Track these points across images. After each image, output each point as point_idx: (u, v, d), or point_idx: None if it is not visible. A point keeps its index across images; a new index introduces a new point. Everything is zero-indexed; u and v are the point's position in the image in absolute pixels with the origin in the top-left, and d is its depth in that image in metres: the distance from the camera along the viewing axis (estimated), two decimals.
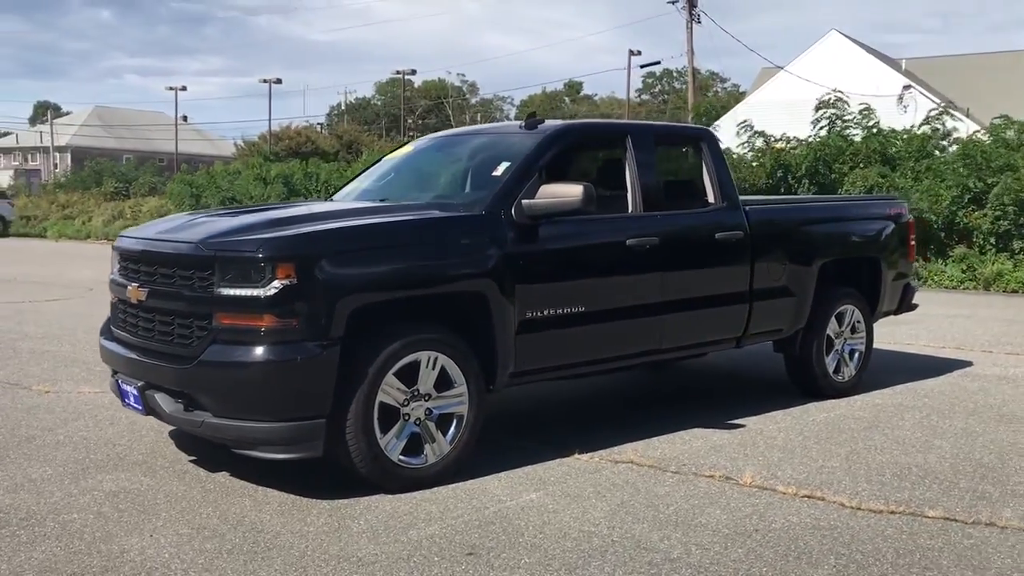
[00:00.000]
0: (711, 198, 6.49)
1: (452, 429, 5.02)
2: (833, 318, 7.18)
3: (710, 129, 6.96)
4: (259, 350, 4.46)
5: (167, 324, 4.84)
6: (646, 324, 5.93)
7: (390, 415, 4.80)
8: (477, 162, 5.94)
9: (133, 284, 5.04)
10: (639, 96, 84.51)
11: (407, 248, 4.91)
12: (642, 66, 43.18)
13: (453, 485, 4.92)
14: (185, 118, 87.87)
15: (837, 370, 7.28)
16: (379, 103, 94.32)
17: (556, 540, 4.19)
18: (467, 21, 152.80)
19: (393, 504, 4.64)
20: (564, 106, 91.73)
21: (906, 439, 5.96)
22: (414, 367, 4.84)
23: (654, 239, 5.85)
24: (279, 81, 56.29)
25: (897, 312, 8.03)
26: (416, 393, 4.86)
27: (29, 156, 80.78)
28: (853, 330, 7.43)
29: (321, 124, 76.03)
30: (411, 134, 53.28)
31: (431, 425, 4.93)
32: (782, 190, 19.39)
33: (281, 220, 5.10)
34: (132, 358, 5.02)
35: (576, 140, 6.17)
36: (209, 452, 5.35)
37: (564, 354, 5.58)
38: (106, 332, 5.51)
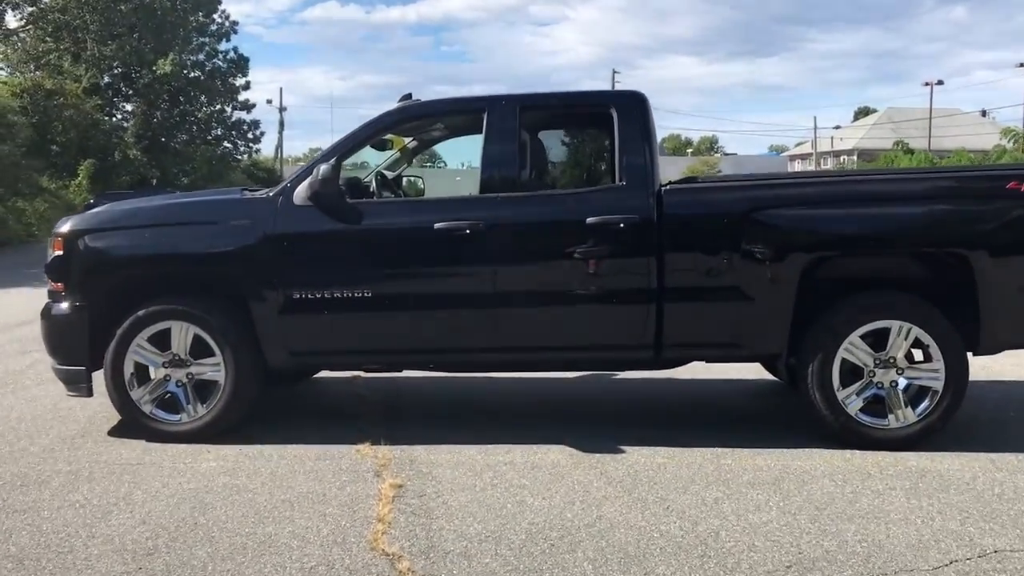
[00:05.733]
0: (617, 177, 5.38)
1: (211, 395, 5.48)
2: (856, 337, 5.14)
3: (632, 93, 5.51)
4: (45, 307, 5.66)
5: None
6: (470, 317, 5.34)
7: (148, 374, 5.54)
8: None
9: None
10: None
11: (158, 229, 5.54)
12: None
13: (190, 445, 5.38)
14: (984, 112, 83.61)
15: (878, 412, 5.19)
16: None
17: (135, 489, 4.56)
18: None
19: (112, 445, 5.39)
20: None
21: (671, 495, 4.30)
22: (174, 334, 5.48)
23: (477, 223, 5.25)
24: None
25: None
26: (176, 358, 5.49)
27: (821, 161, 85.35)
28: (923, 358, 5.19)
29: None
30: None
31: (188, 388, 5.49)
32: None
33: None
34: None
35: (416, 120, 5.80)
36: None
37: (352, 339, 5.45)
38: None
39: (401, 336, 5.42)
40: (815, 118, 76.74)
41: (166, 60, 44.63)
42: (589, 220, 5.19)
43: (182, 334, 5.44)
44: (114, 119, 47.52)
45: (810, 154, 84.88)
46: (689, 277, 5.19)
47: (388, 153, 6.59)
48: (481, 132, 5.51)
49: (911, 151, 41.48)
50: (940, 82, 65.20)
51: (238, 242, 5.39)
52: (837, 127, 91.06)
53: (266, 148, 62.87)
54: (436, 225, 5.26)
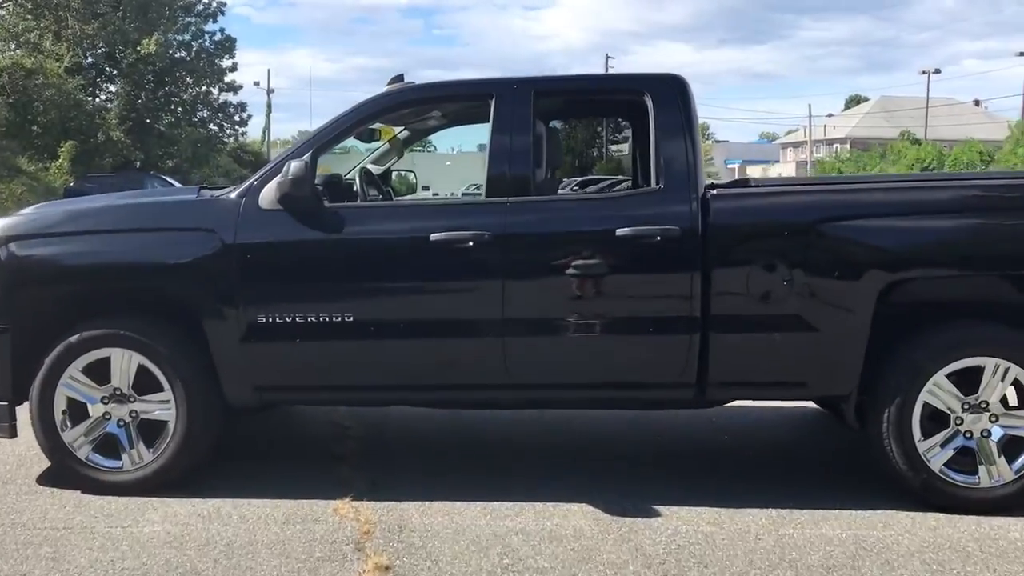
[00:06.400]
0: (653, 179, 4.45)
1: (160, 438, 4.54)
2: (942, 377, 4.23)
3: (671, 76, 4.56)
4: None
5: None
6: (472, 347, 4.42)
7: (85, 411, 4.59)
8: None
9: None
10: None
11: (96, 237, 4.57)
12: None
13: (132, 500, 4.44)
14: (977, 102, 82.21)
15: (967, 467, 4.28)
16: None
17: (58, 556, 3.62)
18: None
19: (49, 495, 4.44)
20: None
21: None
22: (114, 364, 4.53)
23: (482, 234, 4.30)
24: None
25: None
26: (117, 392, 4.53)
27: (815, 149, 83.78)
28: (1019, 403, 4.28)
29: None
30: None
31: (132, 429, 4.54)
32: None
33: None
34: None
35: (409, 107, 4.84)
36: None
37: (330, 372, 4.52)
38: None
39: (390, 369, 4.49)
40: (810, 106, 75.75)
41: (151, 40, 43.39)
42: (619, 232, 4.25)
43: (124, 364, 4.49)
44: (97, 99, 46.35)
45: (803, 142, 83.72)
46: (740, 302, 4.27)
47: (375, 144, 5.64)
48: (486, 121, 4.59)
49: (917, 141, 40.06)
50: (937, 71, 63.86)
51: (192, 253, 4.44)
52: (830, 115, 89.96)
53: (253, 131, 61.70)
54: (432, 236, 4.32)
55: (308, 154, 4.38)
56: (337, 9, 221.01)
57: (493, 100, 4.51)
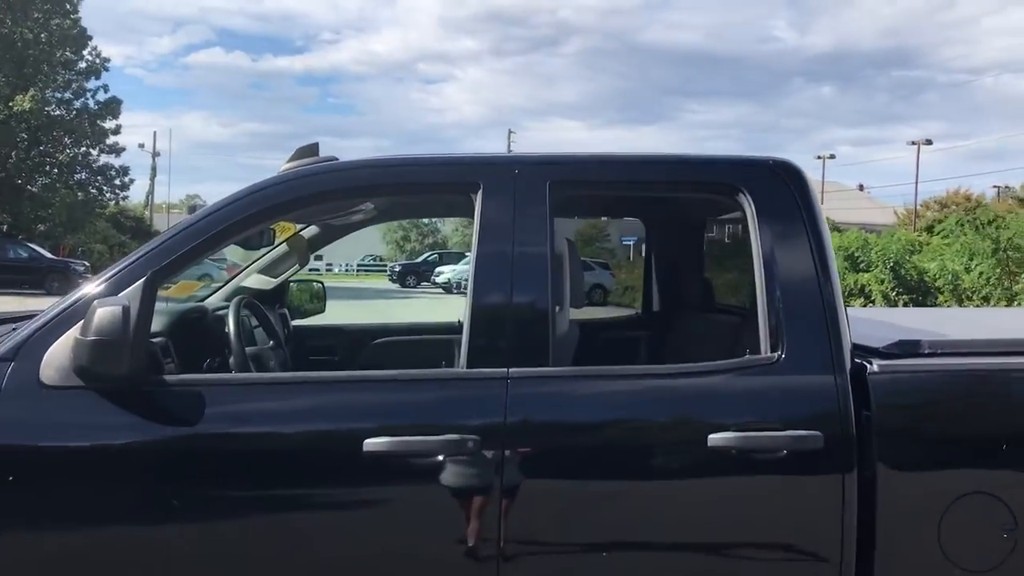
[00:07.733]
0: (763, 340, 2.50)
1: None
2: None
3: (780, 164, 2.72)
4: None
5: None
6: None
7: None
8: None
9: None
10: None
11: None
12: None
13: None
14: (862, 187, 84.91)
15: None
16: None
17: None
18: None
19: None
20: None
21: None
22: None
23: (464, 440, 2.29)
24: (929, 142, 52.47)
25: None
26: None
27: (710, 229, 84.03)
28: None
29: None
30: None
31: None
32: None
33: None
34: None
35: (331, 201, 2.81)
36: None
37: None
38: None
39: None
40: None
41: (25, 96, 40.67)
42: (712, 439, 2.31)
43: None
44: None
45: None
46: (923, 568, 2.37)
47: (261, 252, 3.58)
48: (453, 215, 2.65)
49: (838, 229, 37.74)
50: (832, 156, 65.24)
51: None
52: None
53: (137, 195, 58.84)
54: (368, 442, 2.29)
55: (136, 287, 2.29)
56: (232, 73, 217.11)
57: (480, 194, 2.53)
